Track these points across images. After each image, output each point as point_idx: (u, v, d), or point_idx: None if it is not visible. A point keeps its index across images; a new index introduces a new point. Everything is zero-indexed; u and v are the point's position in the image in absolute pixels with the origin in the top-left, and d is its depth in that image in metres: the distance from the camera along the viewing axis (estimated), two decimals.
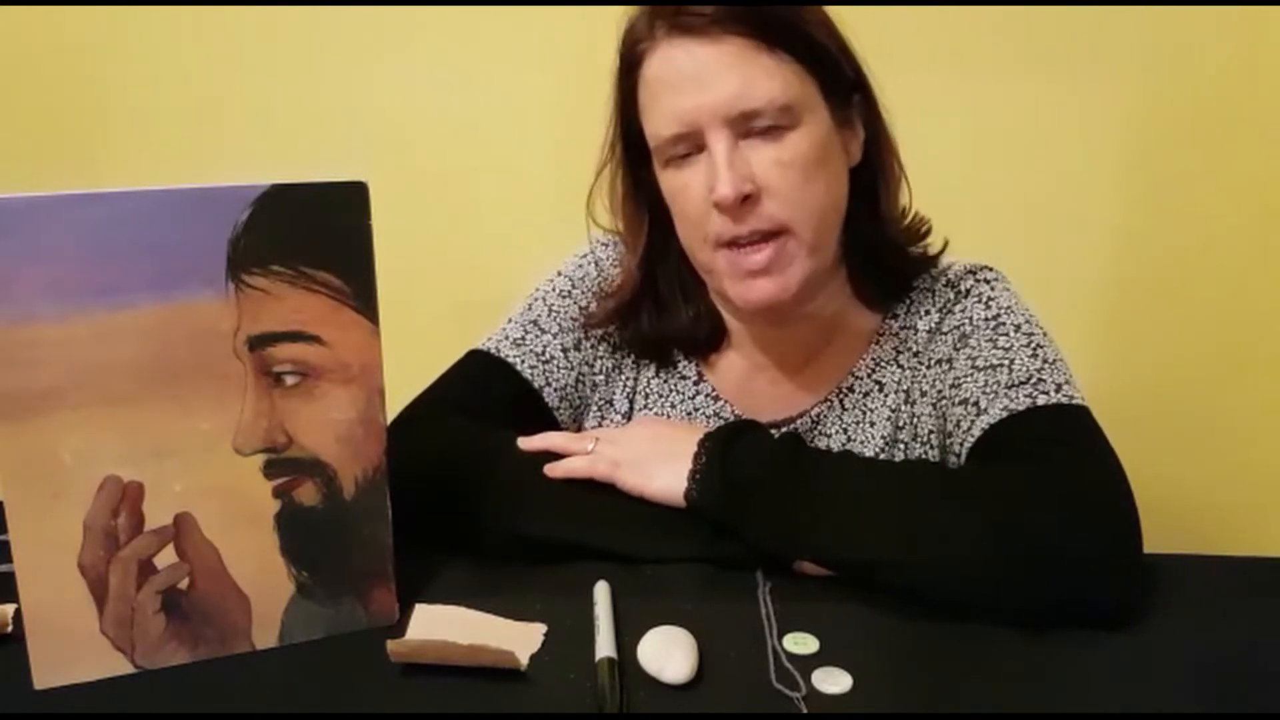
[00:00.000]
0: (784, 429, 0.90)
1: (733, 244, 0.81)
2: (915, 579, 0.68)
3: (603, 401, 0.94)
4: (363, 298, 0.64)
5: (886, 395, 0.90)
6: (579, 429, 0.95)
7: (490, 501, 0.76)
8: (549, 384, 0.91)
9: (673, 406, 0.92)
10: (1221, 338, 1.39)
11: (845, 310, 0.91)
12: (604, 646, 0.65)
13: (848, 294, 0.91)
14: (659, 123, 0.82)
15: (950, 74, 1.31)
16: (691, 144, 0.81)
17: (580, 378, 0.92)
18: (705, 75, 0.78)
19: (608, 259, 0.96)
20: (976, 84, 1.34)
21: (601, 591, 0.71)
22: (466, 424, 0.84)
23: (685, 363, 0.93)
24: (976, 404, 0.79)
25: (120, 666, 0.64)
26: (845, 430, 0.90)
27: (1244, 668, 0.65)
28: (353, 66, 1.44)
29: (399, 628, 0.69)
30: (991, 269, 0.91)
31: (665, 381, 0.93)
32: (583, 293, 0.94)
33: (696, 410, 0.92)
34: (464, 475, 0.77)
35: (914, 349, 0.90)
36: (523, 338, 0.92)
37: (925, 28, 1.34)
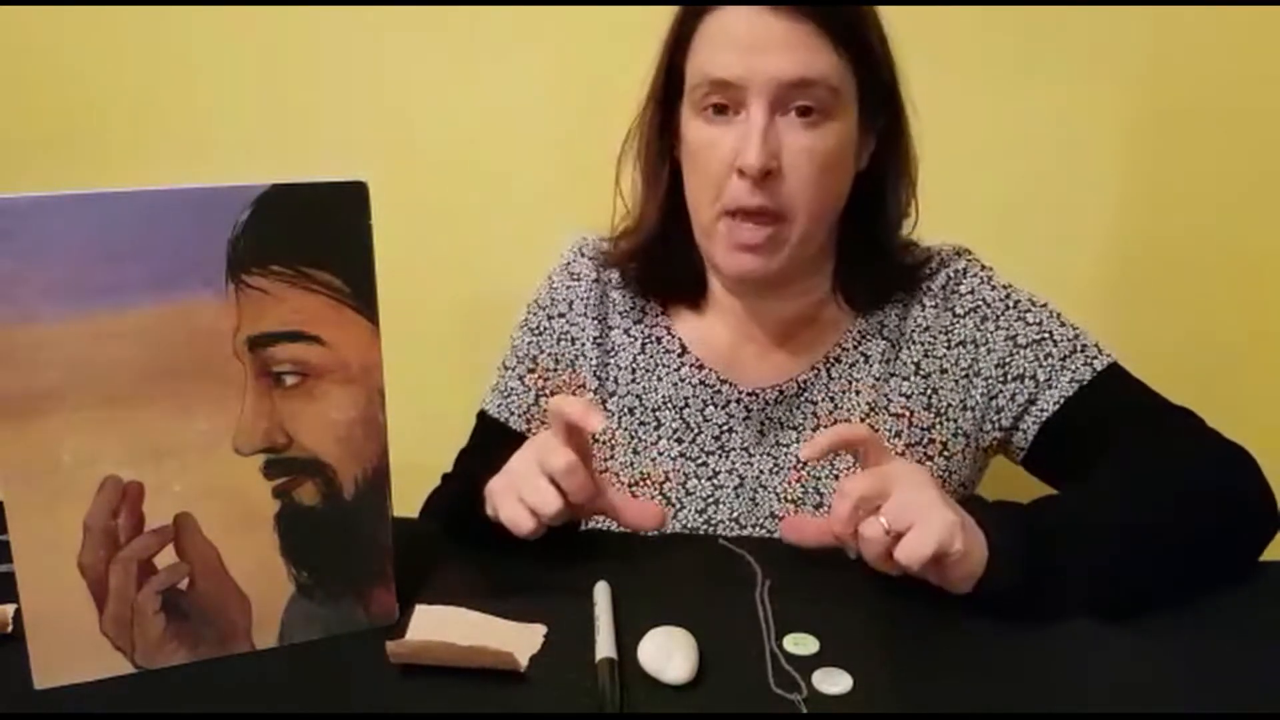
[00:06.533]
0: (769, 393, 0.92)
1: (737, 213, 0.84)
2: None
3: (575, 388, 0.97)
4: (363, 298, 0.64)
5: (872, 365, 0.93)
6: None
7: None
8: (513, 414, 0.99)
9: (659, 379, 0.95)
10: (1221, 337, 1.39)
11: (826, 302, 0.94)
12: (604, 647, 0.65)
13: (828, 289, 0.94)
14: (708, 63, 0.83)
15: (946, 73, 1.31)
16: (730, 99, 0.83)
17: (539, 395, 0.98)
18: (771, 44, 0.81)
19: (564, 268, 0.99)
20: (974, 83, 1.34)
21: (601, 592, 0.71)
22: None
23: (669, 337, 0.96)
24: (1035, 378, 0.89)
25: (120, 666, 0.64)
26: (832, 398, 0.93)
27: (1237, 667, 0.66)
28: (353, 66, 1.44)
29: (399, 628, 0.69)
30: (966, 247, 0.96)
31: (651, 357, 0.96)
32: (535, 315, 0.99)
33: (683, 380, 0.94)
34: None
35: (923, 324, 0.92)
36: (496, 383, 1.01)
37: (923, 27, 1.34)
